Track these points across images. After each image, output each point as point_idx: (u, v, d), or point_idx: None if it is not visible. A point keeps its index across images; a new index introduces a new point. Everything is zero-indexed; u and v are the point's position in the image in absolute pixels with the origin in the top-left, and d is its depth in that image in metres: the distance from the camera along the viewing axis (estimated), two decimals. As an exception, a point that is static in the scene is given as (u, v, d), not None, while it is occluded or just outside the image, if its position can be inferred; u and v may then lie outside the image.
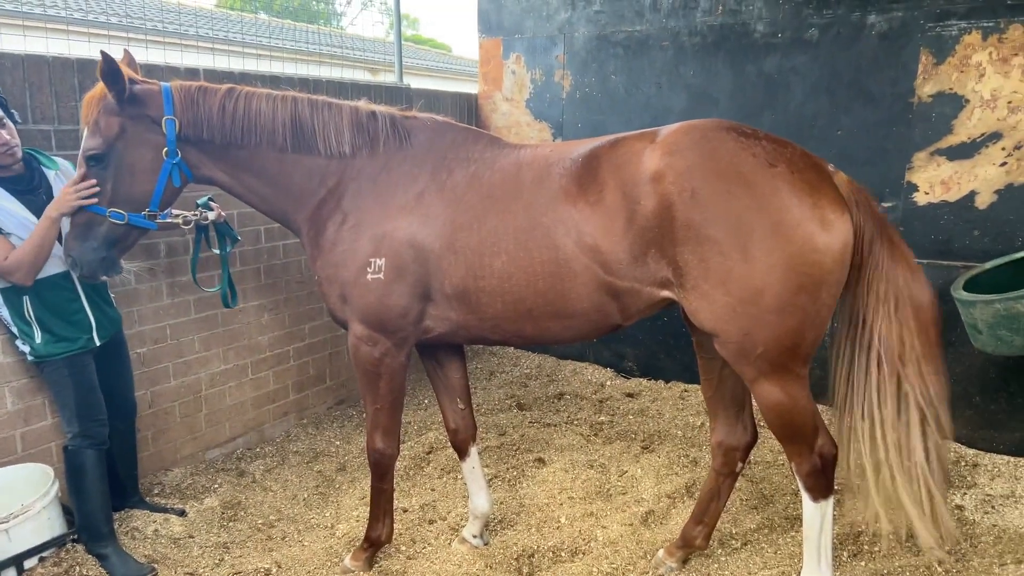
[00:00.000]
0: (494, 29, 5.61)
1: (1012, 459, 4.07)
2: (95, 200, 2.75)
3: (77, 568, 3.04)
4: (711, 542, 3.25)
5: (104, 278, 2.92)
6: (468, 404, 3.33)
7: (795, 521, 3.51)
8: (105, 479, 3.12)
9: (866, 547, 3.28)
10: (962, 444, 4.24)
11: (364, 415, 3.06)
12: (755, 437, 3.07)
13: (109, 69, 2.61)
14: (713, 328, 2.48)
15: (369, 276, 2.77)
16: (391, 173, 2.84)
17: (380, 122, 2.88)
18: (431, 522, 3.58)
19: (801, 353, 2.47)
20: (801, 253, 2.31)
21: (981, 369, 4.12)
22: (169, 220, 2.93)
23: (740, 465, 3.10)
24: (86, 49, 3.74)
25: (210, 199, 3.32)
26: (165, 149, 2.75)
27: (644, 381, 5.37)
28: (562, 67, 5.33)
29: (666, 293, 2.56)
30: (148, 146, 2.74)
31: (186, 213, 3.06)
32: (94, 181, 2.74)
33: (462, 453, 3.35)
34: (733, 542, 3.37)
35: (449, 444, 4.35)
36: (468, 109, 5.74)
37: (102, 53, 2.59)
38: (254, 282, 4.26)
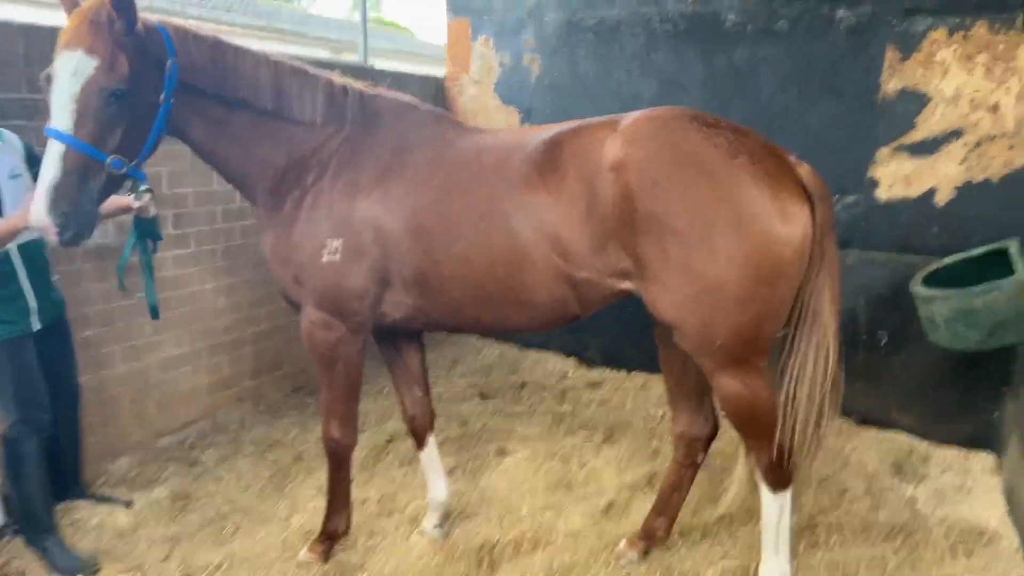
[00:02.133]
0: (462, 9, 5.50)
1: (963, 451, 4.16)
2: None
3: (15, 561, 2.91)
4: (672, 534, 3.24)
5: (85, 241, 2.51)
6: (426, 391, 3.27)
7: (754, 513, 3.49)
8: (45, 468, 2.97)
9: (822, 538, 3.31)
10: (915, 436, 4.31)
11: (320, 405, 2.96)
12: (716, 428, 3.07)
13: None
14: (673, 319, 2.46)
15: (325, 258, 2.68)
16: (353, 151, 2.74)
17: (349, 97, 2.78)
18: (390, 514, 3.51)
19: (760, 345, 2.48)
20: (762, 244, 2.31)
21: (934, 364, 4.18)
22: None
23: (701, 456, 3.10)
24: (32, 15, 3.54)
25: (150, 188, 2.90)
26: (163, 93, 2.46)
27: (607, 371, 5.35)
28: (531, 51, 5.25)
29: (626, 284, 2.55)
30: (152, 88, 2.44)
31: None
32: None
33: (420, 441, 3.29)
34: (694, 534, 3.37)
35: (407, 434, 4.32)
36: (435, 92, 5.62)
37: None
38: (210, 264, 4.11)
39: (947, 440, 4.21)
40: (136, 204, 2.87)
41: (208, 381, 4.20)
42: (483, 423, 4.51)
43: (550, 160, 2.54)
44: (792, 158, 2.50)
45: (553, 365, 5.46)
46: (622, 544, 3.19)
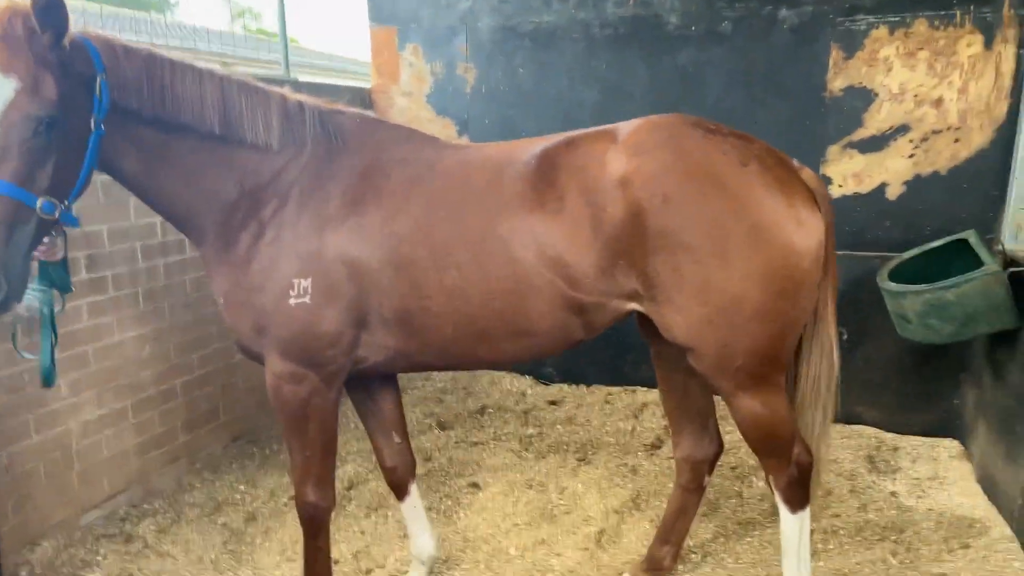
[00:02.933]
0: (386, 17, 5.18)
1: (927, 440, 4.24)
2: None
3: None
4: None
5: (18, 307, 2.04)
6: (405, 437, 2.96)
7: (747, 526, 3.44)
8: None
9: (820, 546, 3.24)
10: (881, 429, 4.36)
11: (290, 464, 2.59)
12: (721, 447, 2.94)
13: None
14: (688, 341, 2.31)
15: (292, 300, 2.33)
16: (318, 176, 2.41)
17: (307, 115, 2.44)
18: (368, 572, 3.18)
19: (780, 362, 2.38)
20: (780, 256, 2.20)
21: (897, 356, 4.25)
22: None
23: (707, 478, 2.95)
24: None
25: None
26: (94, 117, 2.07)
27: (565, 387, 5.17)
28: (465, 59, 5.00)
29: (633, 305, 2.38)
30: (81, 112, 2.04)
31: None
32: None
33: (401, 492, 2.98)
34: (692, 555, 3.23)
35: (369, 476, 3.97)
36: (361, 104, 5.26)
37: None
38: (131, 309, 3.61)
39: (912, 431, 4.28)
40: (41, 245, 2.20)
41: (136, 442, 3.70)
42: (448, 456, 4.22)
43: (545, 177, 2.32)
44: (795, 162, 2.40)
45: (510, 385, 5.22)
46: (625, 576, 3.00)
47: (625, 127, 2.39)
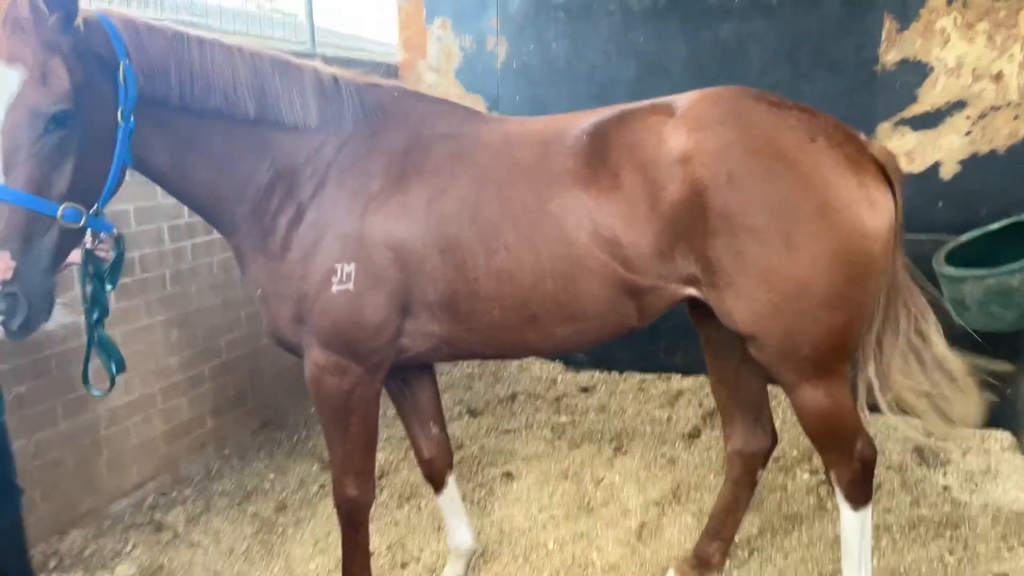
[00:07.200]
0: (414, -10, 5.00)
1: (978, 431, 4.07)
2: None
3: None
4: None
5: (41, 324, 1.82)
6: (443, 427, 2.85)
7: (794, 520, 3.31)
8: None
9: (874, 542, 3.10)
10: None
11: (328, 457, 2.49)
12: (775, 440, 2.80)
13: None
14: (750, 330, 2.17)
15: (335, 288, 2.21)
16: (357, 154, 2.27)
17: (344, 91, 2.30)
18: (404, 565, 3.08)
19: (847, 351, 2.24)
20: (851, 239, 2.06)
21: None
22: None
23: (761, 472, 2.82)
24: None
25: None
26: (120, 109, 1.90)
27: (597, 373, 5.04)
28: (496, 33, 4.82)
29: (691, 291, 2.24)
30: (102, 103, 1.87)
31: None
32: None
33: (438, 485, 2.86)
34: (740, 552, 3.10)
35: (401, 464, 3.88)
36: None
37: None
38: (158, 293, 3.51)
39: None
40: (87, 242, 1.97)
41: (164, 429, 3.61)
42: (480, 444, 4.12)
43: (597, 153, 2.19)
44: (862, 137, 2.25)
45: (540, 371, 5.10)
46: (670, 573, 2.89)
47: (683, 100, 2.25)
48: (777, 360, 2.21)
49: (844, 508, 2.40)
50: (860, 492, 2.37)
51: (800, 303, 2.08)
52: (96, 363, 2.14)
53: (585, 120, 2.29)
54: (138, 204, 3.32)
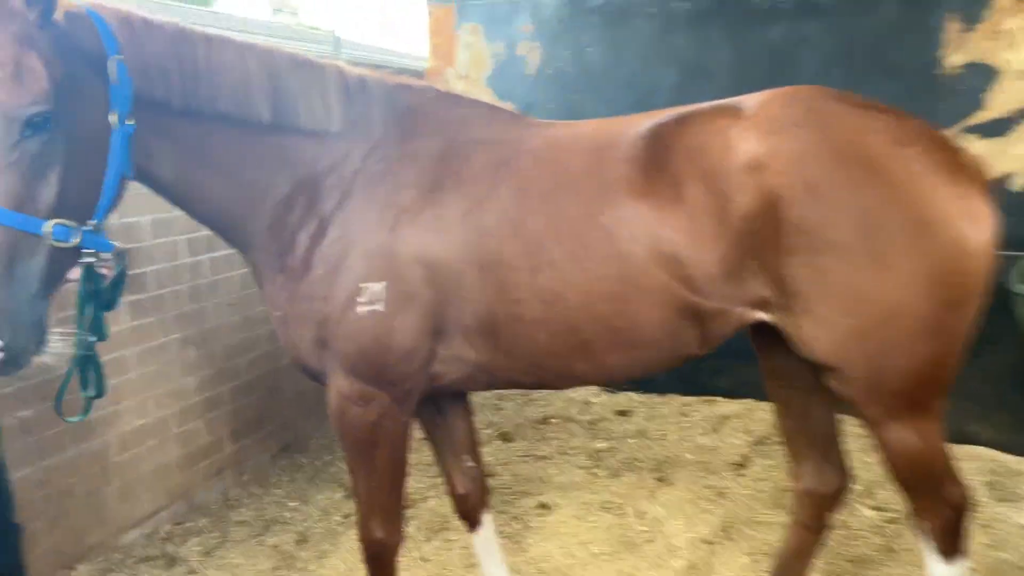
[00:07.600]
0: (444, -5, 4.84)
1: (1052, 463, 3.75)
2: None
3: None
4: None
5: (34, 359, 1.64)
6: (478, 460, 2.62)
7: (862, 565, 3.03)
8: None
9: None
10: (998, 450, 3.88)
11: (355, 498, 2.25)
12: (848, 479, 2.52)
13: None
14: (831, 360, 1.94)
15: (361, 308, 1.99)
16: (386, 162, 2.07)
17: (371, 92, 2.09)
18: (435, 608, 2.84)
19: (943, 385, 1.99)
20: (950, 258, 1.82)
21: (1014, 367, 3.77)
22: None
23: (831, 516, 2.53)
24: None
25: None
26: (115, 112, 1.72)
27: (634, 395, 4.78)
28: (529, 39, 4.63)
29: (761, 315, 2.01)
30: (89, 105, 1.69)
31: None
32: None
33: (474, 522, 2.63)
34: (803, 599, 2.81)
35: (428, 493, 3.65)
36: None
37: None
38: (175, 310, 3.33)
39: (1034, 452, 3.80)
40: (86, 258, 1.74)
41: (179, 454, 3.42)
42: (513, 471, 3.88)
43: (655, 160, 1.97)
44: (956, 144, 2.00)
45: (573, 392, 4.85)
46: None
47: (751, 100, 2.03)
48: (861, 395, 1.97)
49: (934, 560, 2.13)
50: (954, 542, 2.11)
51: (890, 331, 1.86)
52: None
53: (640, 123, 2.09)
54: (155, 216, 3.16)
